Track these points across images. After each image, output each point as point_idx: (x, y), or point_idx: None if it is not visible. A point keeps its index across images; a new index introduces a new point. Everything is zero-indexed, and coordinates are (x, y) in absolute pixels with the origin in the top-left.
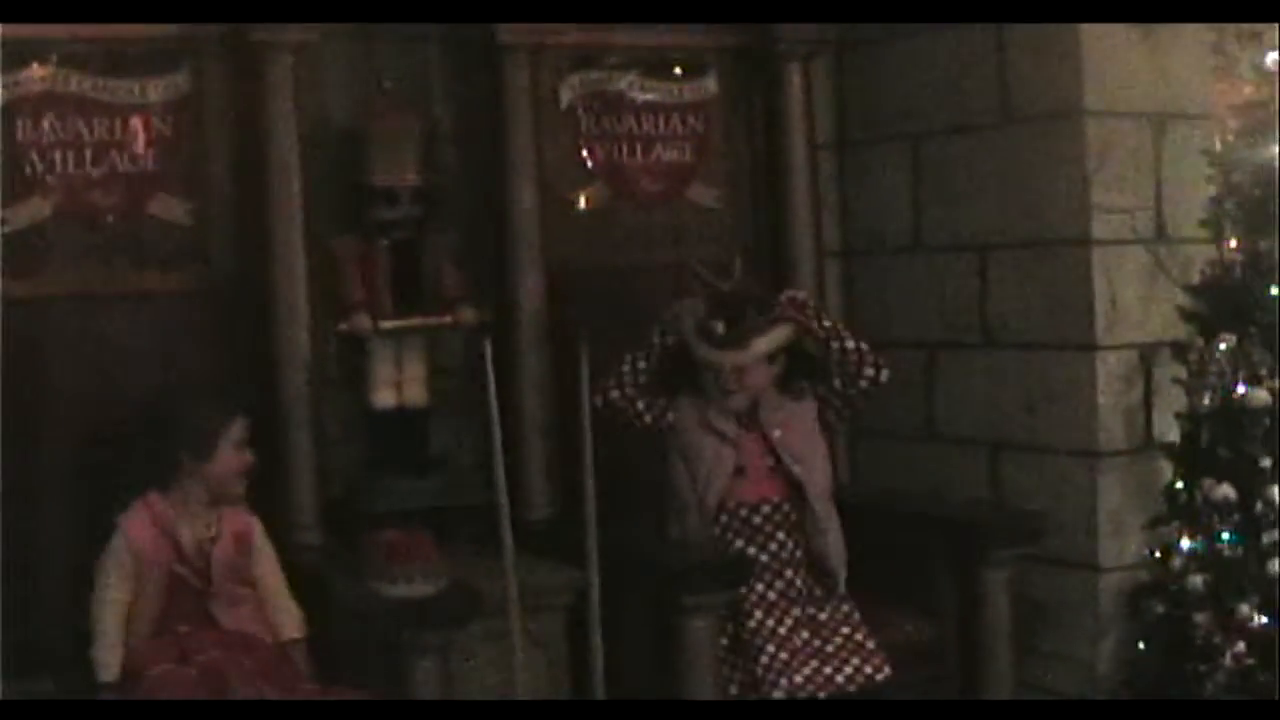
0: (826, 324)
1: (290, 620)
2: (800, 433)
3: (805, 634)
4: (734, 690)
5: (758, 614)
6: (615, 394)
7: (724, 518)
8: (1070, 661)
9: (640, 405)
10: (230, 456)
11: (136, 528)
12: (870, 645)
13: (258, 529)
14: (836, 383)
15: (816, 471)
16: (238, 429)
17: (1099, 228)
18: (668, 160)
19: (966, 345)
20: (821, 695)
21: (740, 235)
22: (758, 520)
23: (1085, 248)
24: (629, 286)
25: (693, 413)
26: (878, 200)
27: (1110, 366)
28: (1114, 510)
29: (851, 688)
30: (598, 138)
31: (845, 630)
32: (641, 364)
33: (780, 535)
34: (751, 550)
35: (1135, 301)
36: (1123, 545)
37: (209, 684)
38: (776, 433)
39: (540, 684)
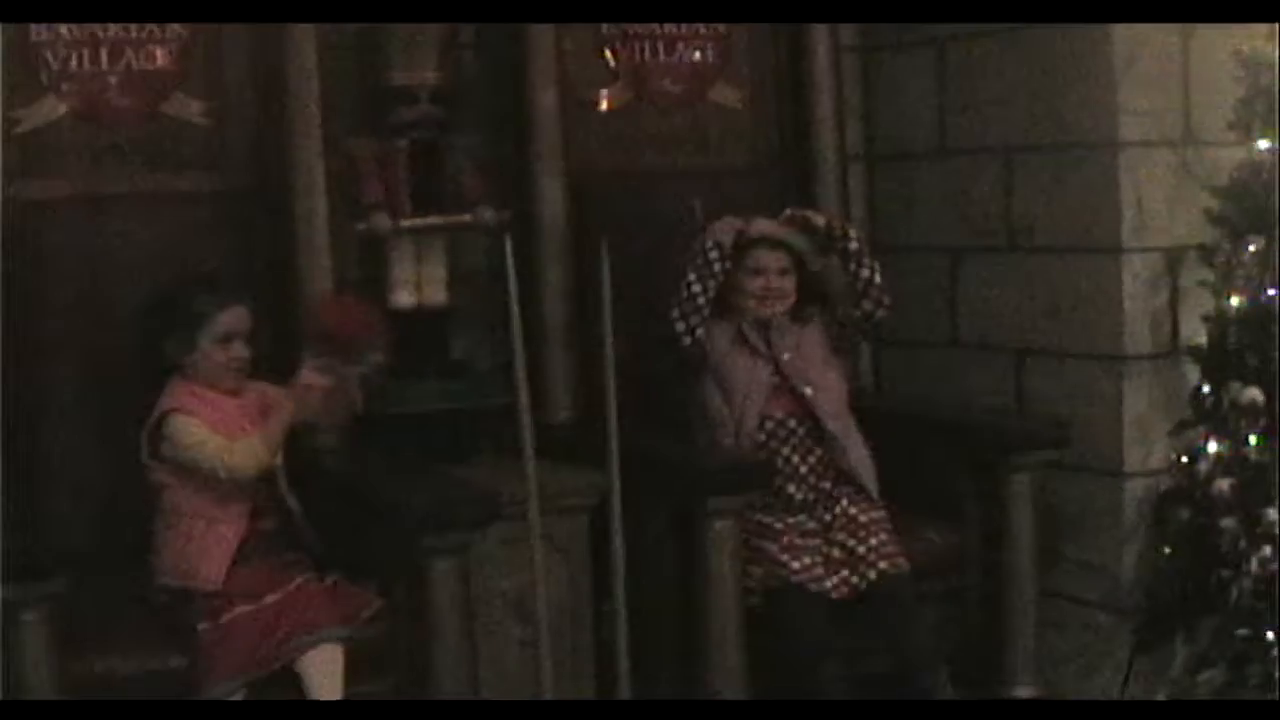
0: (854, 245)
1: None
2: (811, 357)
3: (841, 535)
4: (754, 596)
5: (788, 518)
6: (681, 325)
7: (768, 425)
8: (1094, 569)
9: (682, 326)
10: (212, 349)
11: (188, 402)
12: (895, 548)
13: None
14: (856, 311)
15: (831, 393)
16: (224, 321)
17: (1126, 130)
18: (690, 61)
19: (991, 250)
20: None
21: (763, 138)
22: (795, 431)
23: (1112, 150)
24: (651, 190)
25: (723, 333)
26: (902, 104)
27: (1136, 270)
28: (1139, 415)
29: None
30: (619, 38)
31: (882, 536)
32: (697, 287)
33: (817, 449)
34: (794, 458)
35: (1162, 204)
36: (1148, 451)
37: (277, 629)
38: (786, 356)
39: (560, 588)
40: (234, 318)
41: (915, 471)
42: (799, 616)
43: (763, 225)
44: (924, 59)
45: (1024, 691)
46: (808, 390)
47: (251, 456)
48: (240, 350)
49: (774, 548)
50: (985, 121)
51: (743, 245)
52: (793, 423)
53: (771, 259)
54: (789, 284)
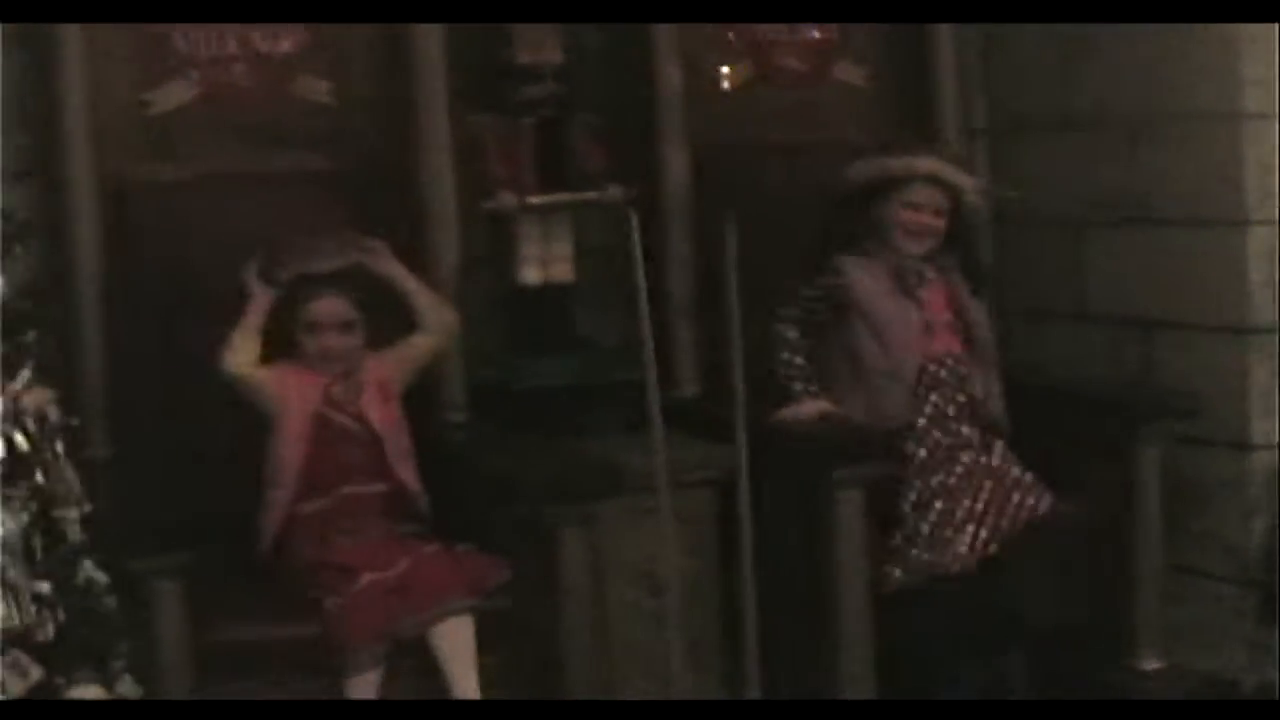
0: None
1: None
2: (976, 303)
3: (983, 481)
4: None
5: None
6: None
7: (922, 376)
8: (1220, 542)
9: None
10: (302, 337)
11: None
12: (1031, 479)
13: (398, 368)
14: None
15: (979, 329)
16: (313, 310)
17: (1250, 101)
18: (814, 38)
19: (1115, 223)
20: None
21: (885, 113)
22: (944, 374)
23: (1235, 121)
24: (775, 166)
25: (867, 276)
26: (1025, 77)
27: (1261, 241)
28: (1265, 388)
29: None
30: None
31: (1016, 471)
32: (809, 292)
33: (964, 389)
34: (940, 404)
35: None
36: (1273, 423)
37: (407, 598)
38: (966, 297)
39: (687, 561)
40: (324, 308)
41: (1042, 443)
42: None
43: (925, 162)
44: (1046, 31)
45: (1149, 664)
46: (971, 316)
47: (227, 349)
48: (333, 340)
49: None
50: (1108, 93)
51: (899, 179)
52: (943, 372)
53: (926, 195)
54: (941, 223)
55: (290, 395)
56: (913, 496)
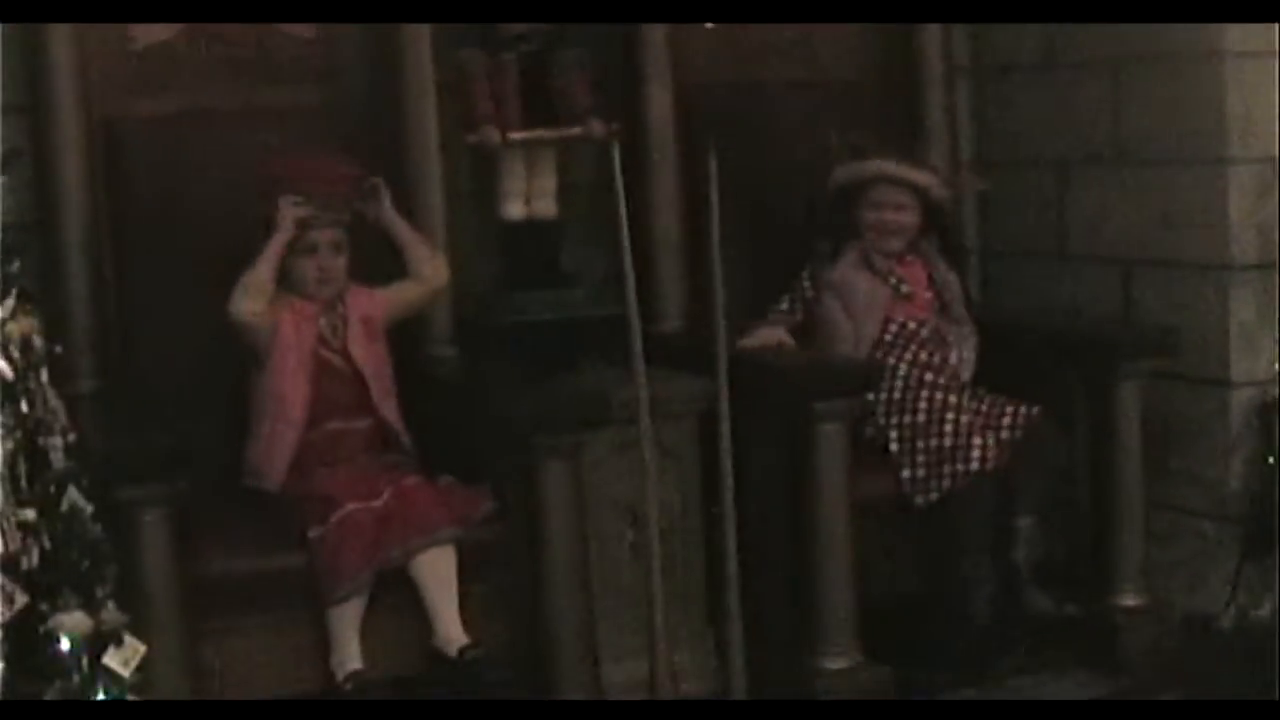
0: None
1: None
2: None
3: (951, 416)
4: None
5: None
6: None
7: (888, 333)
8: (1200, 478)
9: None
10: (297, 259)
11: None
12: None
13: (384, 308)
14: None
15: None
16: (314, 235)
17: (1232, 40)
18: None
19: (1098, 162)
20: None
21: (870, 50)
22: (910, 328)
23: (1218, 60)
24: (758, 102)
25: (843, 260)
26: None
27: (1243, 180)
28: (1246, 325)
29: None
30: None
31: (983, 406)
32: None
33: (931, 346)
34: (909, 355)
35: (1269, 114)
36: (1254, 360)
37: (390, 527)
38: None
39: (670, 493)
40: (324, 233)
41: (1023, 380)
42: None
43: (882, 165)
44: None
45: (1131, 600)
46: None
47: (240, 294)
48: (328, 260)
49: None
50: (1091, 33)
51: (864, 181)
52: (910, 326)
53: (890, 194)
54: (907, 218)
55: (288, 332)
56: (893, 435)
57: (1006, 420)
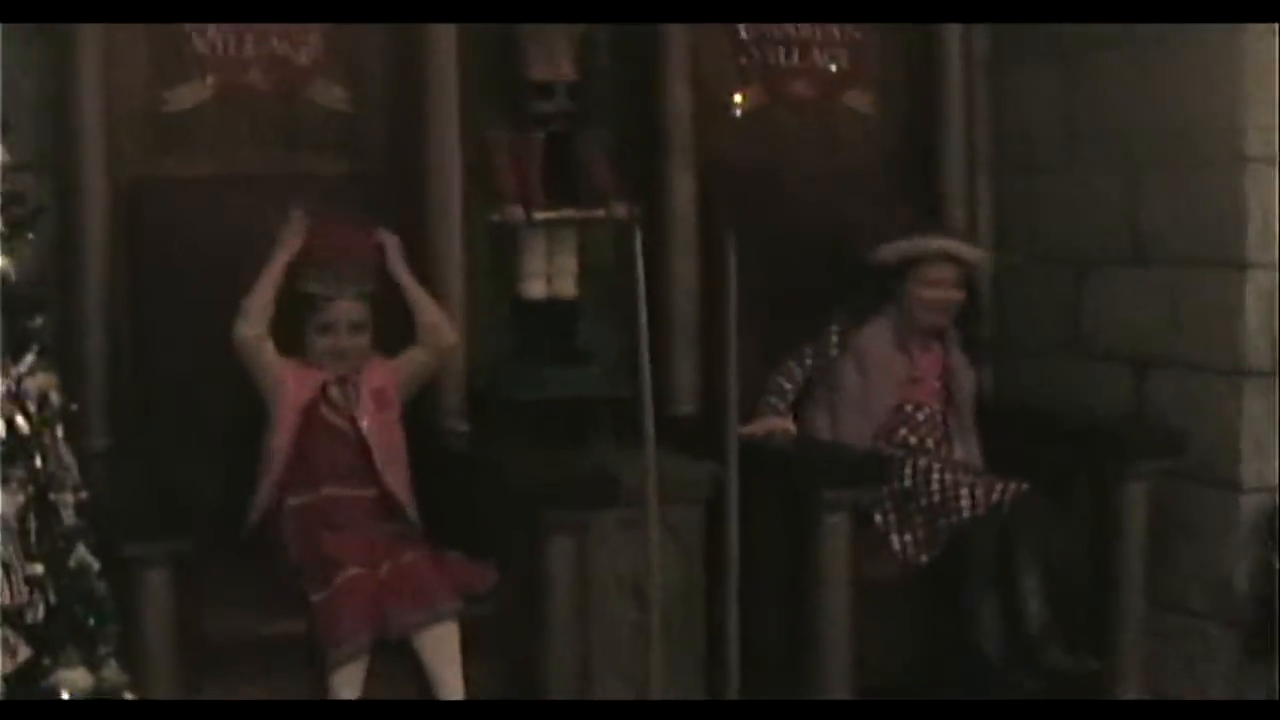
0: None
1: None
2: (965, 372)
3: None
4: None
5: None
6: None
7: (897, 414)
8: (1207, 580)
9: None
10: (312, 335)
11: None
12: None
13: (397, 377)
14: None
15: (962, 391)
16: (325, 312)
17: (1252, 146)
18: (824, 65)
19: (1116, 261)
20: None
21: (892, 141)
22: (919, 416)
23: (1238, 165)
24: (781, 189)
25: (871, 327)
26: (1031, 116)
27: (1259, 284)
28: (1257, 430)
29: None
30: (754, 40)
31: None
32: (809, 361)
33: (936, 434)
34: (913, 439)
35: None
36: (1265, 465)
37: (391, 596)
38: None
39: (674, 574)
40: (340, 310)
41: (1032, 475)
42: None
43: (944, 242)
44: (1052, 72)
45: (1132, 696)
46: (960, 395)
47: (240, 316)
48: (345, 341)
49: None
50: (1112, 135)
51: (920, 257)
52: (919, 414)
53: (945, 271)
54: (956, 295)
55: (289, 385)
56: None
57: (998, 485)
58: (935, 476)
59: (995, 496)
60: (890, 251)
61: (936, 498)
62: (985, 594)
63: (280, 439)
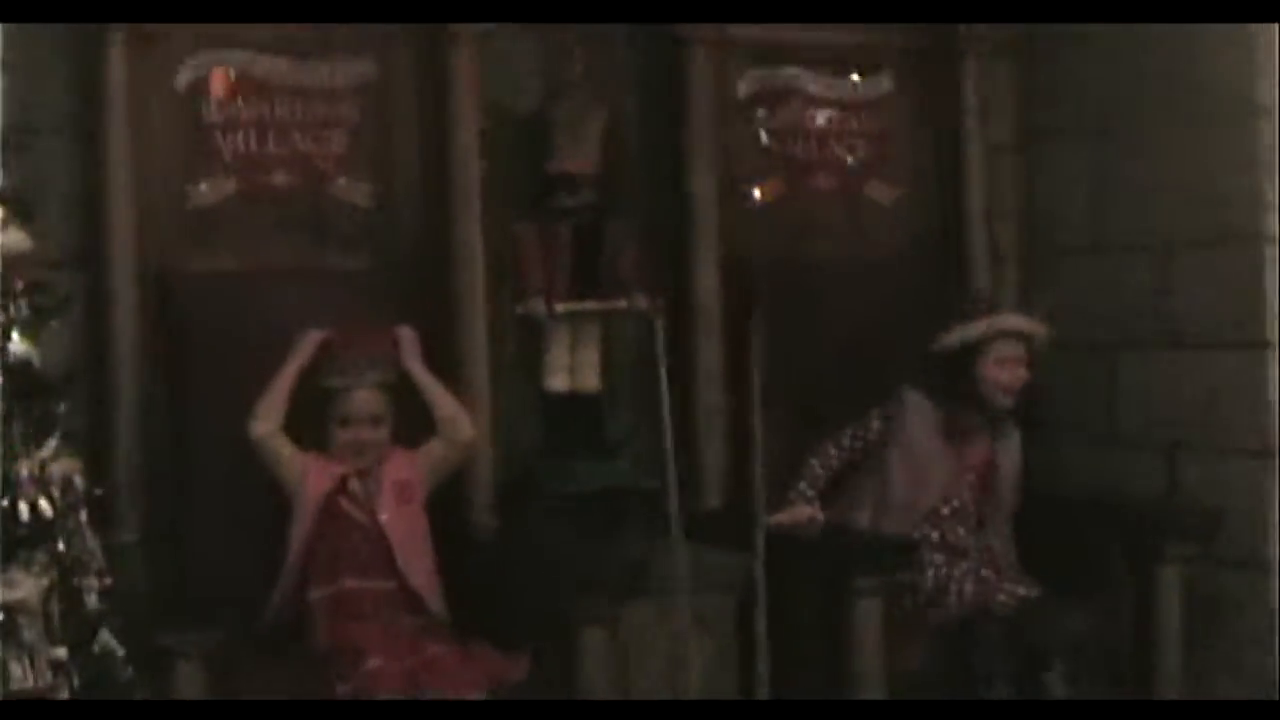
0: None
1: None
2: (1013, 460)
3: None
4: None
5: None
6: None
7: (951, 504)
8: (1242, 662)
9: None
10: (333, 428)
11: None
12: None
13: (419, 470)
14: None
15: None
16: (344, 405)
17: (1274, 224)
18: (845, 156)
19: (1144, 344)
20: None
21: (917, 231)
22: (947, 511)
23: (1260, 244)
24: (804, 279)
25: (922, 416)
26: (1057, 201)
27: None
28: None
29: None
30: (776, 132)
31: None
32: (848, 444)
33: (965, 525)
34: (934, 535)
35: None
36: None
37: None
38: (1003, 458)
39: (707, 666)
40: (358, 403)
41: (1065, 558)
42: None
43: (1013, 319)
44: (1078, 155)
45: None
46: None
47: (252, 416)
48: (365, 433)
49: None
50: (1139, 216)
51: (989, 337)
52: (948, 508)
53: (1013, 349)
54: (1024, 374)
55: (309, 479)
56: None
57: (998, 587)
58: (930, 572)
59: (996, 597)
60: (967, 332)
61: (930, 585)
62: (997, 689)
63: (302, 529)
